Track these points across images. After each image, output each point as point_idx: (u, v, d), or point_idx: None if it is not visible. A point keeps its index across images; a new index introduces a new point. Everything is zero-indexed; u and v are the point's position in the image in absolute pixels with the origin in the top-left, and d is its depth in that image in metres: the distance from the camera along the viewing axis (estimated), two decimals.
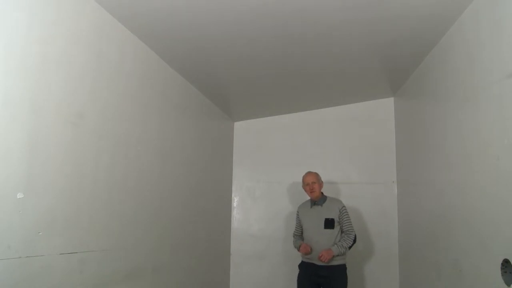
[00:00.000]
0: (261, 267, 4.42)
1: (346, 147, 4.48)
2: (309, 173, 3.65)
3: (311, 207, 3.59)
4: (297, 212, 3.74)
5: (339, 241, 3.40)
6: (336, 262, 3.38)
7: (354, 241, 3.43)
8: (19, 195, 1.67)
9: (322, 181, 3.65)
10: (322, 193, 3.60)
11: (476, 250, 2.31)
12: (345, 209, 3.50)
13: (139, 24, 2.49)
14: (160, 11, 2.36)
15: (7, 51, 1.64)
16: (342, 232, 3.46)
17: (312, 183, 3.55)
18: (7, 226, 1.61)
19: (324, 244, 3.37)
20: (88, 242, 2.11)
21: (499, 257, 2.00)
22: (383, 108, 4.41)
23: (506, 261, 1.94)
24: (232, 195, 4.67)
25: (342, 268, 3.42)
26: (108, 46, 2.33)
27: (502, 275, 1.97)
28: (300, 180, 3.67)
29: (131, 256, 2.53)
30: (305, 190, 3.62)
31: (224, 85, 3.76)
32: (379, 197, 4.32)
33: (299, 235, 3.67)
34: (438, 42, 2.90)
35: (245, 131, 4.76)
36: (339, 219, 3.46)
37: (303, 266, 3.56)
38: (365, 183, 4.38)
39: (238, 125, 4.80)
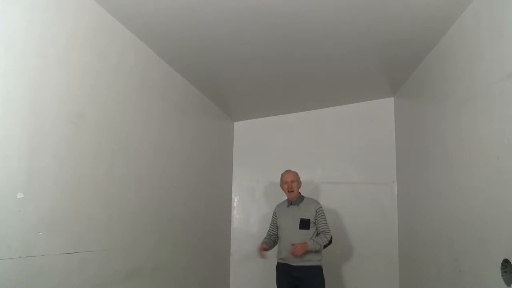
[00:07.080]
0: (261, 267, 4.41)
1: (346, 147, 4.48)
2: (288, 171, 3.57)
3: (287, 206, 3.53)
4: (274, 212, 3.66)
5: (315, 237, 3.32)
6: (310, 263, 3.29)
7: (330, 241, 3.33)
8: (19, 195, 1.67)
9: (300, 181, 3.58)
10: (299, 193, 3.54)
11: (476, 250, 2.31)
12: (322, 210, 3.43)
13: (139, 24, 2.49)
14: (160, 11, 2.36)
15: (7, 51, 1.64)
16: (318, 233, 3.37)
17: (291, 182, 3.47)
18: (7, 226, 1.61)
19: None
20: (88, 242, 2.11)
21: (499, 257, 2.00)
22: (383, 108, 4.41)
23: (506, 261, 1.94)
24: (232, 195, 4.66)
25: (317, 269, 3.33)
26: (108, 46, 2.33)
27: (502, 275, 1.97)
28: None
29: (131, 256, 2.53)
30: (283, 189, 3.54)
31: (224, 85, 3.76)
32: (379, 197, 4.32)
33: (272, 234, 3.59)
34: (438, 42, 2.90)
35: (245, 131, 4.76)
36: (315, 220, 3.38)
37: (279, 268, 3.49)
38: (365, 183, 4.38)
39: (238, 125, 4.80)
